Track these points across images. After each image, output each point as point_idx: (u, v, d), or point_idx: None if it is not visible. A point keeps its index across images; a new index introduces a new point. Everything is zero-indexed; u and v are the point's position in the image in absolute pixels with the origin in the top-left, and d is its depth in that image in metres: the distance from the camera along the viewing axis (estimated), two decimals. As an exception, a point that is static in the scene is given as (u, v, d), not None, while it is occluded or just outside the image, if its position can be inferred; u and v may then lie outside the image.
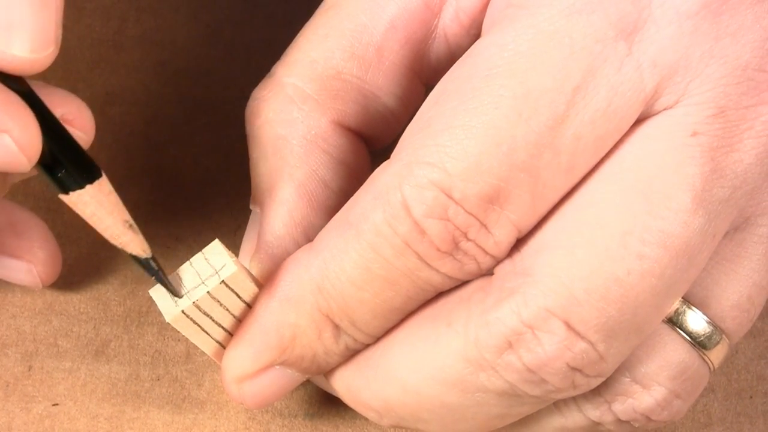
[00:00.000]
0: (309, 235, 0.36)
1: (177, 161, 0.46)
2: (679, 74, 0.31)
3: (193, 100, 0.48)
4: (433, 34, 0.37)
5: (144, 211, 0.45)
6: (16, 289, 0.43)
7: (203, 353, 0.37)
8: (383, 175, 0.32)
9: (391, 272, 0.32)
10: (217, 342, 0.36)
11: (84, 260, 0.44)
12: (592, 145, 0.31)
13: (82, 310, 0.42)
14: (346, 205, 0.34)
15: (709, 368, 0.34)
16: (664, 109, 0.32)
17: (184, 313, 0.35)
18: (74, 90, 0.47)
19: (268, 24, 0.50)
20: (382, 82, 0.37)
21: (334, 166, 0.37)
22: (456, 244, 0.32)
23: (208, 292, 0.34)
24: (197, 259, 0.35)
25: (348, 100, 0.37)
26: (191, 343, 0.36)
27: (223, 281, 0.34)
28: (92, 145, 0.46)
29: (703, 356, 0.34)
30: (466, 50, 0.33)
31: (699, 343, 0.34)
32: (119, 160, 0.46)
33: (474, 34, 0.37)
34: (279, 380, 0.35)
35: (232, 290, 0.35)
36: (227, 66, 0.49)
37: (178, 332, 0.35)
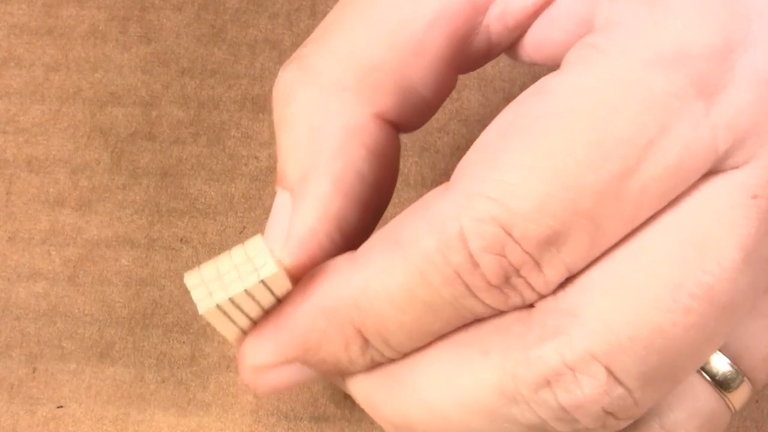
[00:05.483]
0: (342, 230, 0.35)
1: (181, 162, 0.46)
2: (751, 139, 0.31)
3: (197, 100, 0.48)
4: (476, 31, 0.37)
5: (148, 212, 0.44)
6: (20, 291, 0.42)
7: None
8: (441, 201, 0.31)
9: (436, 299, 0.32)
10: (242, 330, 0.36)
11: (88, 262, 0.43)
12: (656, 199, 0.31)
13: (86, 312, 0.42)
14: (393, 222, 0.33)
15: (731, 412, 0.35)
16: (730, 169, 0.31)
17: (218, 307, 0.34)
18: (77, 90, 0.47)
19: (272, 24, 0.50)
20: (421, 75, 0.36)
21: (370, 159, 0.36)
22: (507, 279, 0.31)
23: (245, 289, 0.34)
24: (237, 252, 0.34)
25: (386, 93, 0.36)
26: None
27: (262, 281, 0.34)
28: (95, 146, 0.46)
29: (728, 403, 0.34)
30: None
31: (724, 388, 0.34)
32: (123, 160, 0.46)
33: (517, 35, 0.36)
34: (295, 375, 0.35)
35: (269, 289, 0.34)
36: (231, 66, 0.49)
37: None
